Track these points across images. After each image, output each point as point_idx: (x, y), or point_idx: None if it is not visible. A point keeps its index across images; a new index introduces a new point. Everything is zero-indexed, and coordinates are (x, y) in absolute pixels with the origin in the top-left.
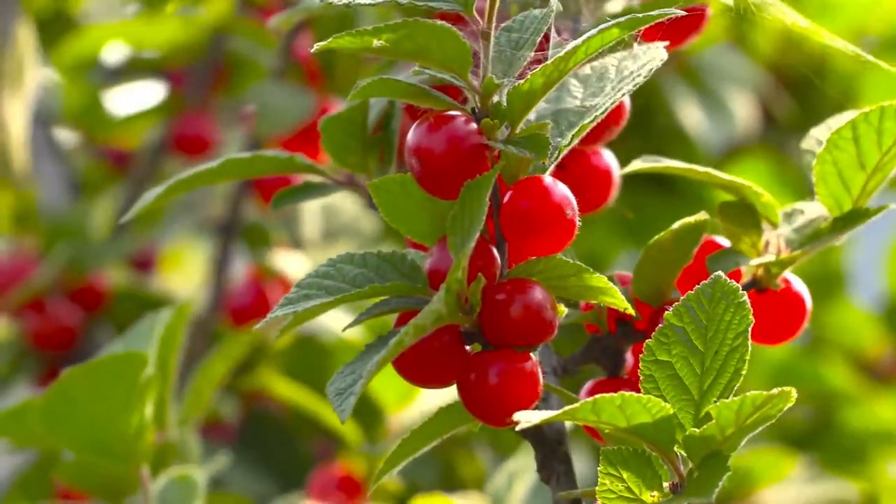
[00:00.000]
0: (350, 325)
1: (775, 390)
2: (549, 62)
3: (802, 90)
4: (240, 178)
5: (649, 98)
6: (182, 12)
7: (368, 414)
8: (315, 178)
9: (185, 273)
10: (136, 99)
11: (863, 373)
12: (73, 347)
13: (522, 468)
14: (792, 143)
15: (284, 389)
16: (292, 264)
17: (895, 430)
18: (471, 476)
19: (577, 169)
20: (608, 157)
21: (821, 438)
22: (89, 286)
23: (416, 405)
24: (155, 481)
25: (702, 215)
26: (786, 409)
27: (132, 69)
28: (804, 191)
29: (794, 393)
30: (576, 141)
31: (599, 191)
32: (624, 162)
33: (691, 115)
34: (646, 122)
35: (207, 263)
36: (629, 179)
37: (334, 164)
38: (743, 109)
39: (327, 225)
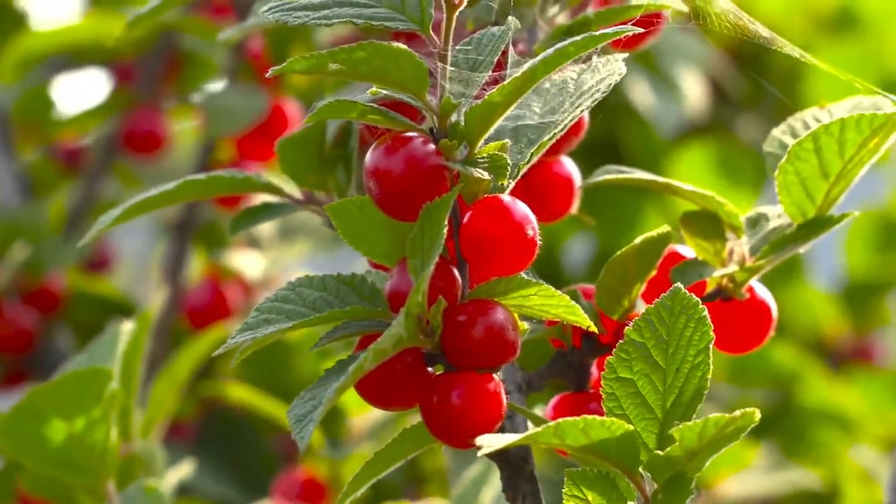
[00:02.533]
0: (313, 348)
1: (737, 412)
2: (507, 82)
3: (753, 67)
4: (197, 199)
5: None
6: (132, 13)
7: (330, 417)
8: (274, 198)
9: (141, 273)
10: (83, 94)
11: (822, 354)
12: (30, 350)
13: (487, 473)
14: (742, 121)
15: (244, 394)
16: (249, 263)
17: (855, 416)
18: (432, 469)
19: (537, 179)
20: (569, 166)
21: (781, 423)
22: (45, 288)
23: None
24: (121, 493)
25: (664, 228)
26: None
27: (78, 60)
28: (755, 173)
29: (757, 414)
30: (535, 158)
31: (561, 200)
32: (581, 145)
33: (643, 95)
34: (599, 102)
35: (163, 263)
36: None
37: (293, 184)
38: (695, 89)
39: (283, 223)
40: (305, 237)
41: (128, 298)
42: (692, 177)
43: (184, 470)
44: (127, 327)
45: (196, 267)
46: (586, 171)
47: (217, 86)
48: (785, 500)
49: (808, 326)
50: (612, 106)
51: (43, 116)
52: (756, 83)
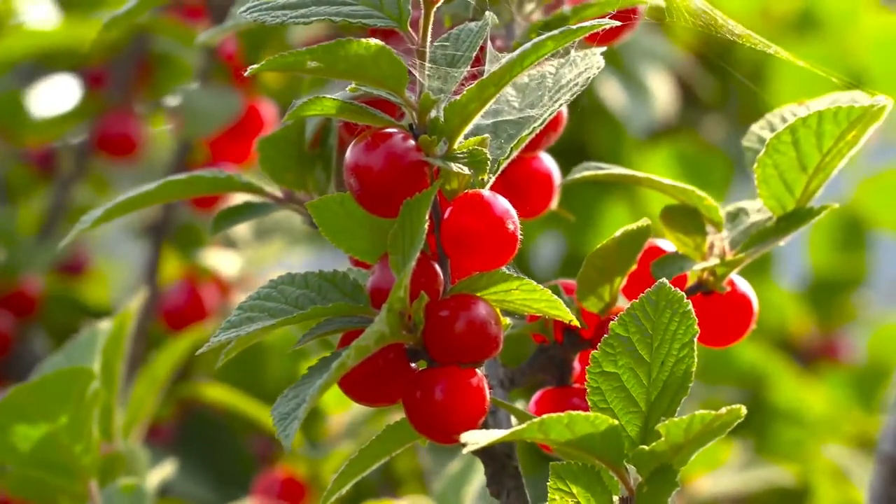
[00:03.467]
0: (296, 346)
1: (723, 410)
2: (485, 77)
3: (719, 67)
4: (177, 199)
5: None
6: (108, 16)
7: (309, 416)
8: (254, 197)
9: (116, 275)
10: (55, 97)
11: (789, 351)
12: (6, 353)
13: (468, 469)
14: (709, 122)
15: (221, 395)
16: (225, 263)
17: (823, 414)
18: (408, 470)
19: (517, 175)
20: (548, 162)
21: (751, 422)
22: (20, 291)
23: (357, 406)
24: (103, 492)
25: (644, 221)
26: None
27: (48, 66)
28: (722, 173)
29: (743, 410)
30: (515, 153)
31: (540, 196)
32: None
33: (615, 95)
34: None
35: (139, 265)
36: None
37: (272, 183)
38: (663, 89)
39: (259, 223)
40: (281, 236)
41: (104, 301)
42: (661, 175)
43: (165, 471)
44: (105, 327)
45: (172, 268)
46: (560, 169)
47: (191, 87)
48: (758, 497)
49: (775, 324)
50: (581, 106)
51: (15, 121)
52: (721, 84)
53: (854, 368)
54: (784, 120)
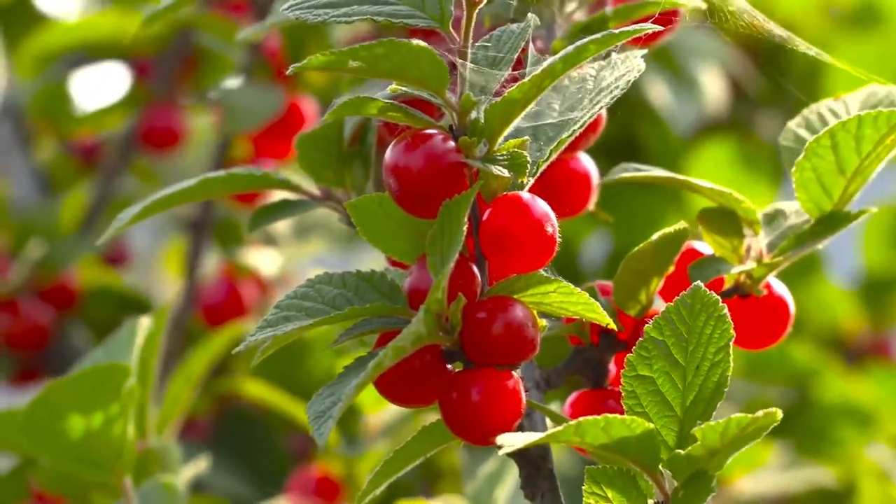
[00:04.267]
0: (332, 345)
1: (759, 413)
2: (526, 80)
3: (771, 63)
4: (216, 197)
5: None
6: (148, 11)
7: (345, 415)
8: (292, 195)
9: (148, 269)
10: (101, 89)
11: (840, 350)
12: (46, 346)
13: (501, 470)
14: (762, 118)
15: (259, 391)
16: (264, 261)
17: (871, 412)
18: (447, 466)
19: (555, 175)
20: (586, 162)
21: (798, 421)
22: (61, 284)
23: (393, 406)
24: (137, 489)
25: (681, 225)
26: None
27: (96, 55)
28: (774, 169)
29: (779, 413)
30: (554, 155)
31: (578, 196)
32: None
33: (661, 93)
34: (617, 100)
35: (180, 260)
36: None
37: (311, 180)
38: (713, 86)
39: (298, 221)
40: (321, 235)
41: (142, 294)
42: (711, 173)
43: (199, 466)
44: (144, 323)
45: (212, 264)
46: (605, 168)
47: (234, 83)
48: (800, 498)
49: (826, 322)
50: (631, 103)
51: (61, 113)
52: (775, 79)
53: None
54: (820, 116)
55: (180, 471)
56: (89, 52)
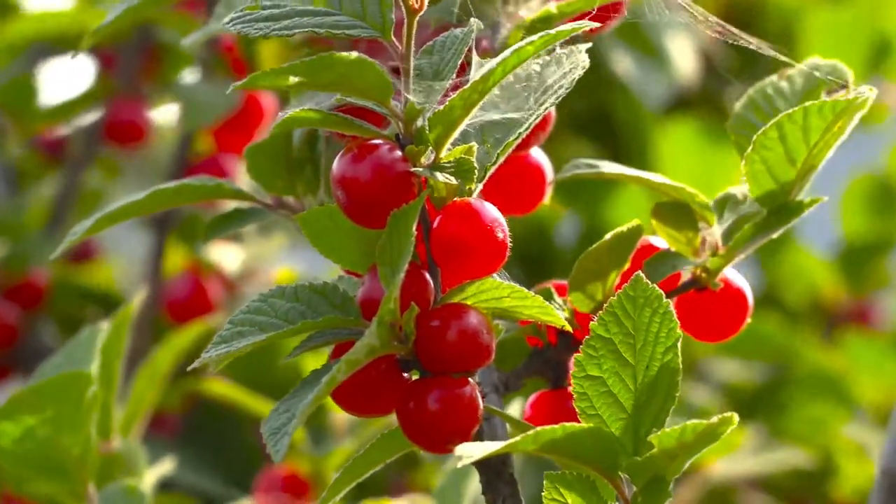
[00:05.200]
0: (286, 360)
1: (714, 418)
2: (467, 86)
3: (746, 31)
4: (168, 208)
5: (590, 51)
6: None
7: (312, 413)
8: (245, 204)
9: (125, 265)
10: (66, 82)
11: (820, 318)
12: (14, 345)
13: (467, 467)
14: (732, 90)
15: (225, 390)
16: (228, 257)
17: (850, 382)
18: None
19: (508, 173)
20: (539, 157)
21: (774, 400)
22: (28, 282)
23: None
24: (101, 493)
25: (634, 222)
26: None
27: (60, 47)
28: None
29: (735, 418)
30: (502, 158)
31: (533, 192)
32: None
33: (630, 68)
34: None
35: (144, 256)
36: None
37: (262, 190)
38: (684, 59)
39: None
40: (284, 230)
41: (112, 289)
42: (682, 148)
43: (165, 467)
44: (105, 326)
45: (175, 261)
46: (578, 147)
47: (190, 78)
48: (776, 479)
49: (805, 291)
50: (601, 77)
51: (25, 107)
52: (745, 52)
53: (884, 334)
54: (765, 96)
55: (146, 472)
56: (55, 43)
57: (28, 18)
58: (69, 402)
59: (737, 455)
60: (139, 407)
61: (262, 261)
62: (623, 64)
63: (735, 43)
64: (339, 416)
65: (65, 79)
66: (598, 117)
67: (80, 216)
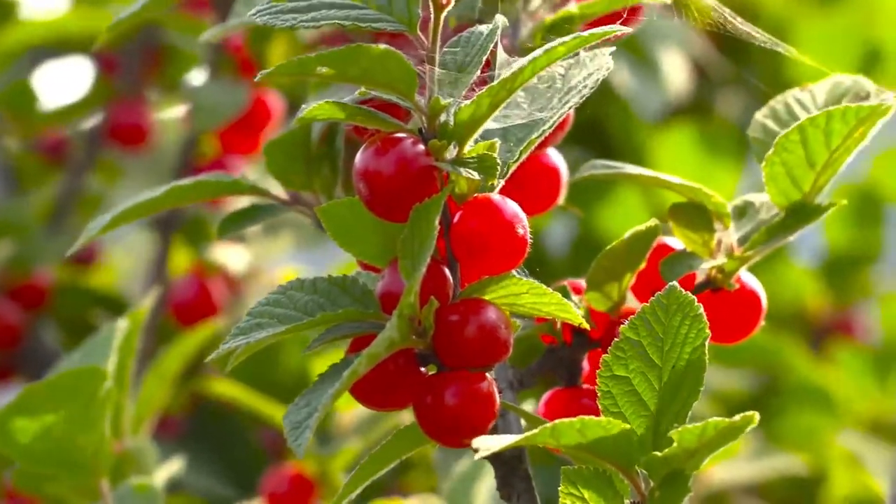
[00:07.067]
0: (306, 351)
1: (737, 417)
2: (495, 83)
3: (733, 43)
4: (184, 204)
5: None
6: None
7: None
8: (261, 200)
9: (127, 267)
10: (66, 85)
11: (805, 329)
12: (17, 346)
13: (478, 468)
14: (723, 99)
15: (232, 391)
16: (233, 258)
17: (839, 398)
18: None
19: (525, 172)
20: (555, 158)
21: (767, 408)
22: (31, 283)
23: None
24: (114, 491)
25: (652, 222)
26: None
27: (61, 51)
28: (737, 150)
29: (756, 417)
30: (524, 156)
31: (549, 192)
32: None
33: (626, 80)
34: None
35: (149, 258)
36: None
37: (280, 186)
38: (678, 71)
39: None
40: (290, 231)
41: (115, 292)
42: (675, 158)
43: (174, 466)
44: (123, 325)
45: (181, 262)
46: (570, 156)
47: (198, 79)
48: (771, 486)
49: (790, 301)
50: (598, 90)
51: (26, 110)
52: (737, 60)
53: (871, 349)
54: (787, 106)
55: (156, 471)
56: (55, 47)
57: (27, 23)
58: (84, 397)
59: (735, 461)
60: (148, 408)
61: (268, 261)
62: (620, 75)
63: (734, 34)
64: (346, 416)
65: (65, 83)
66: (593, 129)
67: (82, 219)
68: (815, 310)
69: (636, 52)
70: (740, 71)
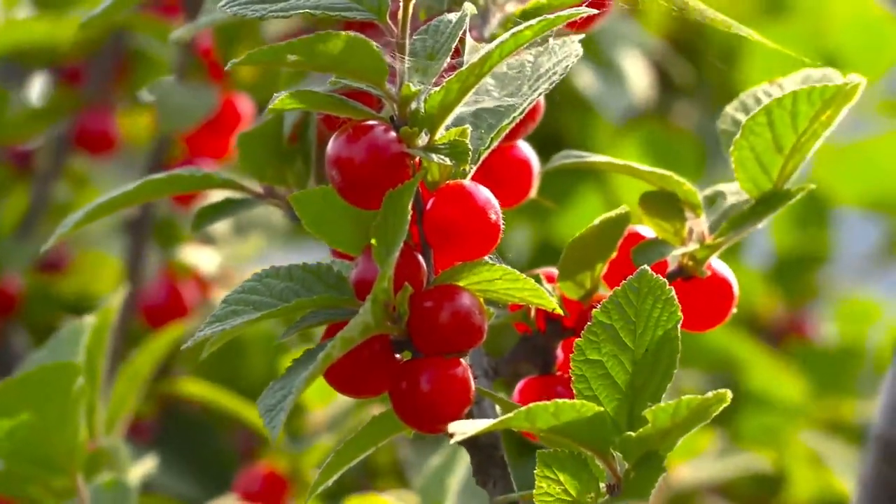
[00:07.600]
0: (280, 339)
1: (710, 393)
2: (464, 68)
3: (691, 49)
4: (158, 198)
5: None
6: (86, 15)
7: (290, 410)
8: (234, 194)
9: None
10: (30, 96)
11: (758, 331)
12: None
13: (450, 462)
14: (680, 106)
15: (201, 390)
16: (204, 259)
17: (797, 399)
18: (387, 463)
19: (496, 164)
20: (526, 150)
21: (728, 407)
22: (1, 290)
23: (338, 401)
24: (89, 487)
25: (623, 209)
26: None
27: (23, 64)
28: (696, 158)
29: (729, 394)
30: (495, 143)
31: (520, 184)
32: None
33: (590, 82)
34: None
35: (119, 262)
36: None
37: (252, 179)
38: (640, 75)
39: (238, 219)
40: (260, 232)
41: (86, 299)
42: (635, 162)
43: (147, 465)
44: (88, 321)
45: (152, 264)
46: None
47: (166, 83)
48: (735, 485)
49: (741, 304)
50: (557, 93)
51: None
52: (693, 67)
53: (825, 350)
54: (757, 100)
55: (129, 470)
56: (17, 58)
57: None
58: (57, 393)
59: (701, 460)
60: (120, 409)
61: (239, 262)
62: (585, 78)
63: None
64: (317, 413)
65: (30, 92)
66: (551, 134)
67: (51, 227)
68: (765, 312)
69: (598, 56)
70: (696, 76)
